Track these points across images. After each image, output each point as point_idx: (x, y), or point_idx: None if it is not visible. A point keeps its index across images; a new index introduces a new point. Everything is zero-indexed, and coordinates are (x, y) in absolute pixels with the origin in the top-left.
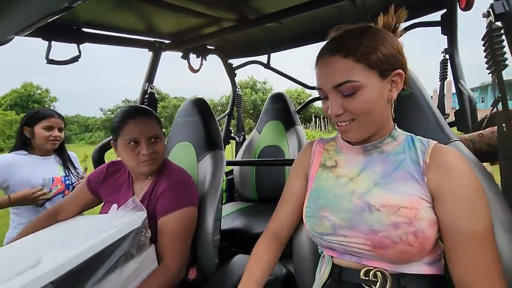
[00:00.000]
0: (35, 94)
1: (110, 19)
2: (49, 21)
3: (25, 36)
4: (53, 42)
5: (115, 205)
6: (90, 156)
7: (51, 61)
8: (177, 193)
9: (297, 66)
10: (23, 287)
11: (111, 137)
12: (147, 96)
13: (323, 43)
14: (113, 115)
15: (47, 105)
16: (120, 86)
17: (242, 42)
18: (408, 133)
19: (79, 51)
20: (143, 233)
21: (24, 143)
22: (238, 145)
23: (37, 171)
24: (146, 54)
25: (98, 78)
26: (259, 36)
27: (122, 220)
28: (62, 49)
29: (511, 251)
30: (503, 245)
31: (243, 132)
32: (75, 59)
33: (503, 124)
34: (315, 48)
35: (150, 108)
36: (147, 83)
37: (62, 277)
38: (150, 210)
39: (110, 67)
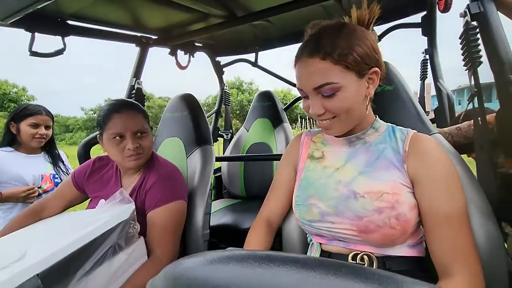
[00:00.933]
0: (11, 93)
1: (96, 12)
2: (33, 10)
3: (8, 26)
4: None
5: (102, 200)
6: (72, 157)
7: (34, 53)
8: (166, 186)
9: (284, 65)
10: (8, 281)
11: (97, 132)
12: (134, 91)
13: None
14: (95, 114)
15: None
16: (103, 86)
17: (230, 40)
18: (389, 123)
19: (64, 44)
20: (131, 225)
21: (10, 139)
22: (226, 143)
23: (24, 168)
24: (131, 54)
25: (81, 77)
26: (247, 34)
27: (109, 212)
28: (46, 42)
29: (485, 234)
30: (478, 228)
31: (231, 130)
32: (59, 52)
33: (479, 118)
34: None
35: (136, 102)
36: (134, 78)
37: (48, 269)
38: (139, 205)
39: (93, 66)
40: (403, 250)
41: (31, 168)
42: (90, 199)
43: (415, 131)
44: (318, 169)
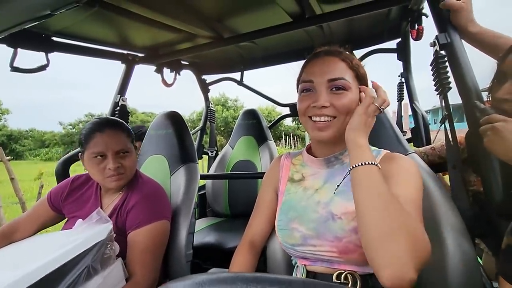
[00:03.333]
0: None
1: (82, 30)
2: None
3: None
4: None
5: (80, 220)
6: (47, 174)
7: (15, 69)
8: (148, 206)
9: (268, 84)
10: None
11: (78, 149)
12: (118, 108)
13: (294, 63)
14: (74, 129)
15: None
16: (84, 101)
17: (216, 59)
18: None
19: (47, 59)
20: (108, 246)
21: None
22: (211, 160)
23: None
24: (114, 70)
25: (60, 91)
26: (233, 54)
27: (84, 233)
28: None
29: (460, 251)
30: (452, 247)
31: (215, 147)
32: (42, 68)
33: (450, 139)
34: (285, 68)
35: (121, 120)
36: (119, 95)
37: None
38: (119, 225)
39: (74, 80)
40: None
41: None
42: (66, 219)
43: (388, 151)
44: (299, 192)
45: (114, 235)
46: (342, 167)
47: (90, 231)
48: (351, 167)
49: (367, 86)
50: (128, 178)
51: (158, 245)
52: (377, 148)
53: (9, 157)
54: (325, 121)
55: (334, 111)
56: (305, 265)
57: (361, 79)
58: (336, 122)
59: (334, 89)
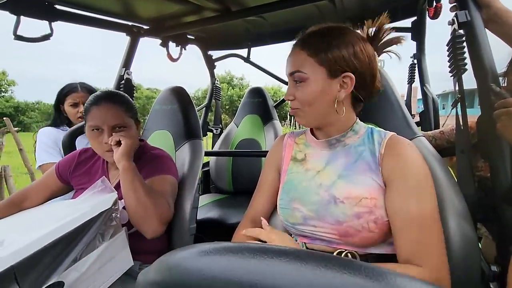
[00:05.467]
0: None
1: None
2: None
3: None
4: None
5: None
6: None
7: (19, 37)
8: (159, 163)
9: (276, 63)
10: None
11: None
12: (123, 82)
13: None
14: None
15: (3, 89)
16: (89, 74)
17: (223, 34)
18: (369, 125)
19: (51, 29)
20: (113, 215)
21: (65, 120)
22: (215, 138)
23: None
24: (119, 43)
25: (65, 64)
26: (240, 29)
27: (89, 202)
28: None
29: (461, 234)
30: (454, 229)
31: (220, 125)
32: (46, 37)
33: (461, 123)
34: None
35: (123, 94)
36: (124, 69)
37: (24, 261)
38: None
39: (79, 53)
40: (384, 248)
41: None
42: (75, 190)
43: (394, 133)
44: (301, 172)
45: (120, 206)
46: (344, 149)
47: (95, 200)
48: None
49: (354, 66)
50: None
51: (170, 194)
52: (382, 130)
53: (17, 128)
54: (293, 111)
55: (297, 103)
56: (305, 242)
57: (332, 62)
58: (300, 113)
59: (296, 81)
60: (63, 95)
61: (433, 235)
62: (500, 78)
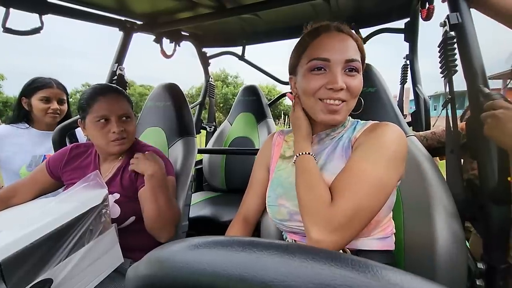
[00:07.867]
0: None
1: None
2: None
3: None
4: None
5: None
6: None
7: (8, 30)
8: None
9: (270, 61)
10: None
11: (75, 117)
12: (115, 77)
13: (297, 40)
14: (71, 99)
15: None
16: (80, 70)
17: (217, 32)
18: (358, 120)
19: (41, 22)
20: (103, 211)
21: (24, 116)
22: (209, 135)
23: (31, 146)
24: (112, 39)
25: (56, 58)
26: (235, 26)
27: (79, 198)
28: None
29: (450, 231)
30: (443, 227)
31: (214, 123)
32: (36, 31)
33: (451, 123)
34: (288, 44)
35: (120, 87)
36: (116, 64)
37: (11, 257)
38: (125, 184)
39: (70, 48)
40: (374, 244)
41: (41, 147)
42: (65, 186)
43: (377, 122)
44: (288, 168)
45: (108, 203)
46: (331, 142)
47: (85, 196)
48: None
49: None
50: (129, 144)
51: (174, 195)
52: (370, 121)
53: None
54: (338, 104)
55: (347, 94)
56: (295, 240)
57: (363, 60)
58: (345, 106)
59: (347, 70)
60: (32, 88)
61: (371, 198)
62: (501, 80)
